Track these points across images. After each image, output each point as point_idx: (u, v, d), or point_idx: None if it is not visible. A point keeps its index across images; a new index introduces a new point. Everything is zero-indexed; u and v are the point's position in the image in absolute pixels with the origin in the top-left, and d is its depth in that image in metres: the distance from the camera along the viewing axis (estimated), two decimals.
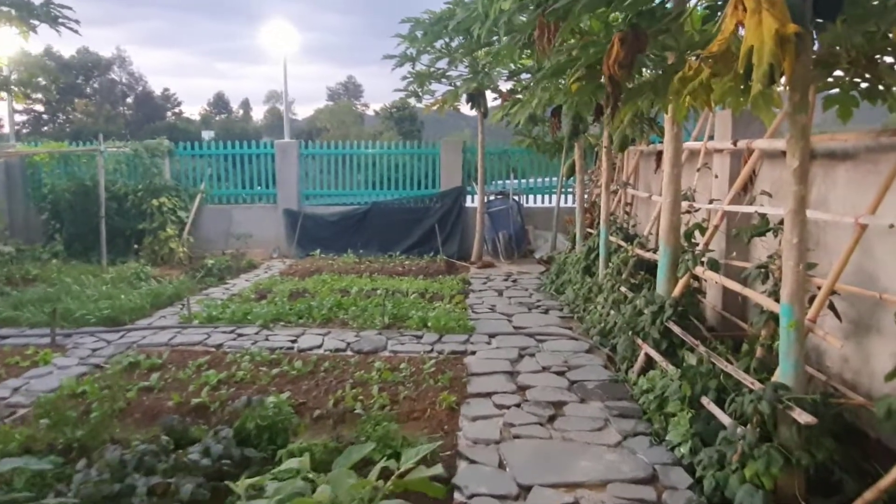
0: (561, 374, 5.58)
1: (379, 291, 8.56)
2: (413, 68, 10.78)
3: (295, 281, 9.75)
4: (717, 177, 6.16)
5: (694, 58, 3.13)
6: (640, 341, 5.38)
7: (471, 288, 9.36)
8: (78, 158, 12.65)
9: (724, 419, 3.76)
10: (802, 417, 3.14)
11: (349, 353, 6.24)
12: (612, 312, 6.57)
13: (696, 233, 5.54)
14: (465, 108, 11.75)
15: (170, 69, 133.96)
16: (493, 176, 13.10)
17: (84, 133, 32.14)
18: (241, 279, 10.38)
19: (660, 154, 8.47)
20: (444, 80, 11.07)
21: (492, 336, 6.76)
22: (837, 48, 3.53)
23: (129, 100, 60.04)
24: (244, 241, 12.38)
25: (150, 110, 57.03)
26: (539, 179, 13.12)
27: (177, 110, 62.31)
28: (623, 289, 6.62)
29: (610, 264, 7.37)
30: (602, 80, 4.04)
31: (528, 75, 10.59)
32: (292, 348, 6.35)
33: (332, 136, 33.70)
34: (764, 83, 2.37)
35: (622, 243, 7.56)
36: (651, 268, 7.04)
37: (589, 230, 9.68)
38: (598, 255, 8.30)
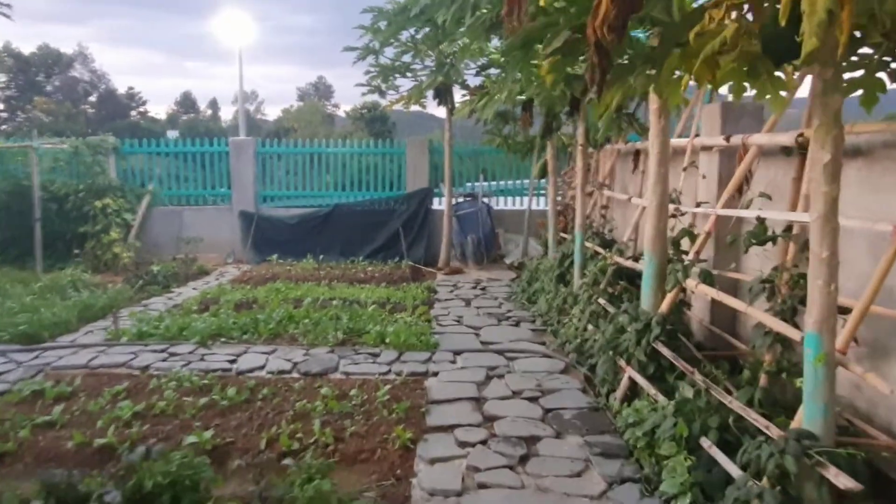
0: (534, 399, 4.87)
1: (335, 302, 7.78)
2: (376, 61, 10.04)
3: (246, 289, 8.92)
4: (704, 177, 5.51)
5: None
6: (622, 363, 4.70)
7: (436, 297, 8.62)
8: (13, 156, 11.62)
9: (732, 469, 3.08)
10: (841, 481, 2.46)
11: (295, 375, 5.46)
12: (589, 327, 5.90)
13: (685, 240, 4.89)
14: (433, 107, 11.04)
15: (138, 68, 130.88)
16: (462, 177, 12.40)
17: (43, 131, 30.63)
18: (188, 287, 9.51)
19: (637, 153, 7.85)
20: (409, 74, 10.35)
21: (457, 353, 6.04)
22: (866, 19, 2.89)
23: (93, 98, 58.13)
24: (195, 246, 11.48)
25: (114, 109, 55.18)
26: (510, 182, 12.44)
27: (142, 109, 60.55)
28: (601, 301, 5.95)
29: (586, 273, 6.71)
30: (582, 56, 3.33)
31: (498, 70, 9.95)
32: (230, 370, 5.55)
33: (299, 137, 32.66)
34: (819, 36, 1.69)
35: (599, 250, 6.90)
36: (631, 277, 6.39)
37: (563, 235, 9.03)
38: (572, 261, 7.64)
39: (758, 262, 4.55)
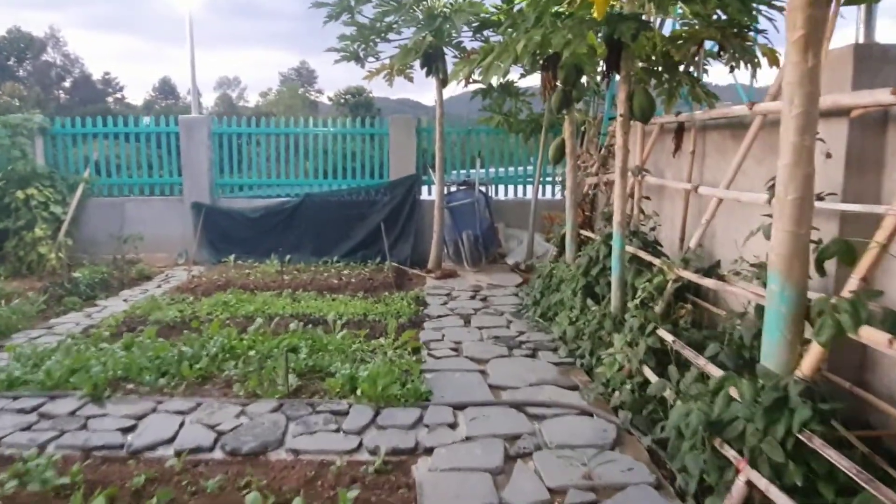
0: None
1: (293, 326, 5.86)
2: (352, 18, 8.08)
3: (186, 303, 7.00)
4: (829, 156, 3.65)
5: None
6: (733, 455, 2.87)
7: (426, 312, 6.74)
8: None
9: None
10: None
11: (216, 455, 3.57)
12: (647, 371, 4.06)
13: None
14: (421, 81, 9.12)
15: (118, 55, 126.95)
16: (456, 163, 10.50)
17: None
18: (119, 299, 7.57)
19: (681, 130, 6.03)
20: (392, 37, 8.41)
21: (458, 409, 4.18)
22: None
23: (67, 84, 55.38)
24: (138, 244, 9.50)
25: (88, 95, 52.53)
26: (511, 168, 10.54)
27: (118, 95, 57.95)
28: (664, 334, 4.11)
29: (630, 288, 4.85)
30: None
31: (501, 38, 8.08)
32: (119, 448, 3.65)
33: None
34: None
35: (650, 258, 5.07)
36: (695, 295, 4.58)
37: (582, 232, 7.16)
38: (602, 269, 5.80)
39: None
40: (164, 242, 9.82)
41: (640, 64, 5.15)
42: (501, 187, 10.43)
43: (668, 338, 4.02)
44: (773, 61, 4.80)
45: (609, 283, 5.79)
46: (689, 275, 4.25)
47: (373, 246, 9.50)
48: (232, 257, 9.26)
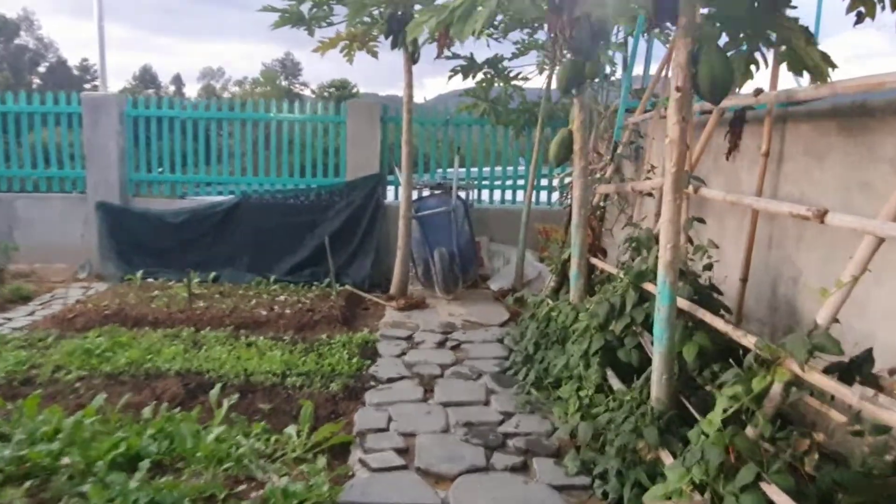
0: None
1: (165, 405, 3.76)
2: None
3: (40, 346, 4.92)
4: None
5: None
6: None
7: (373, 371, 4.68)
8: None
9: None
10: None
11: None
12: None
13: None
14: (387, 52, 7.07)
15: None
16: (430, 161, 8.44)
17: None
18: None
19: (739, 120, 4.07)
20: None
21: None
22: None
23: (42, 69, 52.70)
24: (24, 253, 7.38)
25: (63, 81, 49.80)
26: (498, 168, 8.51)
27: (96, 83, 55.24)
28: (776, 495, 2.11)
29: (717, 396, 2.83)
30: None
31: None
32: None
33: None
34: None
35: (715, 320, 3.05)
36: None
37: (592, 261, 5.13)
38: (629, 324, 3.81)
39: None
40: (63, 251, 7.69)
41: (704, 10, 3.12)
42: (486, 191, 8.38)
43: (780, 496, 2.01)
44: None
45: (639, 348, 3.80)
46: (823, 381, 2.23)
47: (324, 262, 7.38)
48: (138, 275, 7.12)
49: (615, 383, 3.68)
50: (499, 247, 7.80)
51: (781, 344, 2.41)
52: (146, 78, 60.35)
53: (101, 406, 3.62)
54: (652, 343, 3.81)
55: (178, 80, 67.34)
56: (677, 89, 3.02)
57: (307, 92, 51.17)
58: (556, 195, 7.68)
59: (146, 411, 3.59)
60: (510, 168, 8.35)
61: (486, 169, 8.42)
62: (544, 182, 8.16)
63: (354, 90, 42.52)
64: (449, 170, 8.04)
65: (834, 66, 2.95)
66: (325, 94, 40.61)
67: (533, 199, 7.43)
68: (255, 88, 42.28)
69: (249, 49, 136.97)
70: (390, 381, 4.48)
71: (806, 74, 3.02)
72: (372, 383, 4.44)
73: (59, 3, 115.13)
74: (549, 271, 6.26)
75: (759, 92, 3.47)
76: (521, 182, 8.16)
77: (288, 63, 55.53)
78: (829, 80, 2.93)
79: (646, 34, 6.13)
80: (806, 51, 2.89)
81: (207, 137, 8.08)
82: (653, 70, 6.13)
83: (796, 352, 2.26)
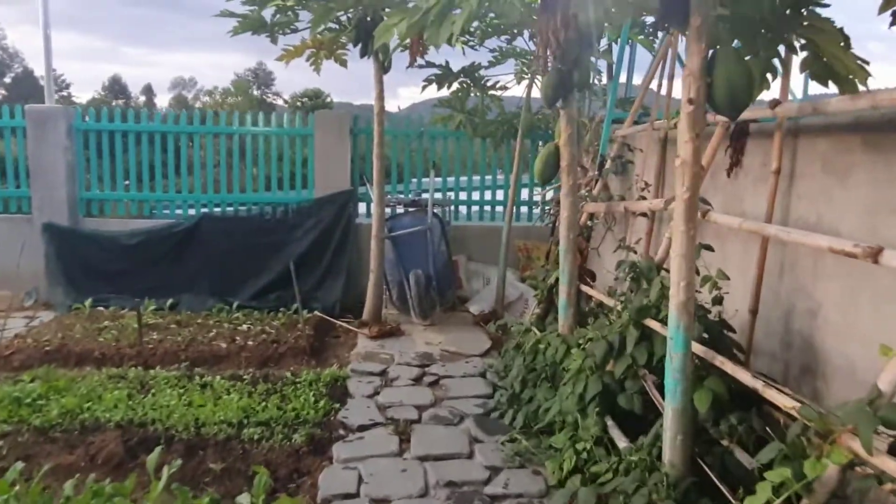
0: None
1: (113, 448, 3.19)
2: None
3: None
4: None
5: None
6: None
7: (344, 416, 4.14)
8: None
9: None
10: None
11: None
12: None
13: None
14: (358, 60, 6.57)
15: (71, 52, 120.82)
16: (405, 175, 7.94)
17: None
18: None
19: (741, 133, 3.68)
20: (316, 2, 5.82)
21: None
22: None
23: (7, 79, 51.14)
24: None
25: (30, 91, 48.24)
26: (476, 177, 8.04)
27: (64, 93, 53.76)
28: None
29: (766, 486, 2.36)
30: None
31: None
32: None
33: None
34: None
35: (738, 371, 2.59)
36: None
37: (583, 288, 4.66)
38: (630, 366, 3.35)
39: None
40: (6, 277, 7.01)
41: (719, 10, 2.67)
42: (462, 207, 7.90)
43: None
44: None
45: (642, 392, 3.35)
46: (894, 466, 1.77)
47: (292, 285, 6.84)
48: (87, 303, 6.49)
49: (617, 436, 3.21)
50: (478, 266, 7.32)
51: (834, 414, 1.95)
52: (115, 88, 58.92)
53: (17, 479, 3.03)
54: (656, 386, 3.36)
55: (148, 91, 65.89)
56: (690, 102, 2.57)
57: (280, 102, 50.29)
58: (538, 210, 7.22)
59: (67, 487, 3.01)
60: (489, 178, 7.88)
61: (464, 178, 7.93)
62: (525, 195, 7.70)
63: (328, 100, 41.85)
64: (424, 179, 7.54)
65: (869, 74, 2.52)
66: (298, 104, 39.84)
67: (513, 214, 6.97)
68: (225, 99, 41.18)
69: (222, 59, 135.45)
70: (361, 428, 3.95)
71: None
72: (341, 432, 3.92)
73: (25, 13, 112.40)
74: (532, 295, 5.79)
75: (776, 104, 3.03)
76: (500, 197, 7.69)
77: (261, 73, 54.60)
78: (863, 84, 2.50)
79: (630, 41, 5.73)
80: (839, 57, 2.45)
81: (164, 152, 7.47)
82: (636, 79, 5.74)
83: (860, 429, 1.80)
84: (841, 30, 2.41)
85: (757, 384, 2.42)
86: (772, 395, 2.32)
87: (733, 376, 2.68)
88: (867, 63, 2.43)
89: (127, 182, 7.43)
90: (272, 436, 3.78)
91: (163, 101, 68.50)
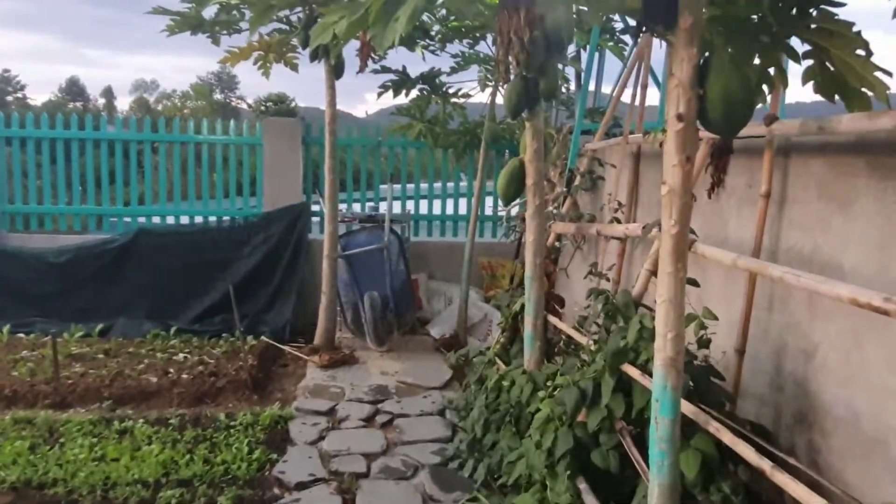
0: None
1: None
2: None
3: None
4: None
5: None
6: None
7: (280, 471, 3.57)
8: None
9: None
10: None
11: None
12: None
13: None
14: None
15: (28, 52, 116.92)
16: (361, 188, 7.40)
17: None
18: None
19: (724, 150, 3.23)
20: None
21: None
22: None
23: None
24: None
25: None
26: (437, 186, 7.55)
27: (18, 95, 51.81)
28: None
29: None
30: None
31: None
32: None
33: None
34: None
35: (753, 460, 2.13)
36: None
37: (551, 319, 4.19)
38: (606, 417, 2.89)
39: None
40: None
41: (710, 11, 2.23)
42: (422, 223, 7.40)
43: None
44: None
45: (618, 447, 2.89)
46: None
47: (240, 307, 6.23)
48: (6, 329, 5.81)
49: (591, 502, 2.74)
50: (439, 285, 6.83)
51: None
52: (73, 90, 57.00)
53: None
54: (635, 440, 2.91)
55: (108, 93, 63.87)
56: (679, 118, 2.11)
57: (244, 106, 49.09)
58: (501, 228, 6.76)
59: None
60: (451, 185, 7.40)
61: (424, 185, 7.42)
62: (489, 209, 7.24)
63: (293, 105, 40.85)
64: (382, 186, 7.01)
65: (888, 88, 2.11)
66: (262, 108, 38.80)
67: (476, 229, 6.50)
68: (185, 102, 39.90)
69: (186, 62, 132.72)
70: (300, 486, 3.41)
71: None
72: (276, 491, 3.37)
73: None
74: (497, 315, 5.33)
75: (772, 119, 2.61)
76: (462, 211, 7.21)
77: (224, 76, 53.29)
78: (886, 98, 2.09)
79: (598, 47, 5.33)
80: (854, 67, 2.03)
81: (98, 163, 6.81)
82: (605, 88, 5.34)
83: None
84: (859, 34, 1.98)
85: (764, 465, 1.97)
86: (783, 480, 1.86)
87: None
88: (889, 74, 2.01)
89: (81, 188, 6.74)
90: (193, 499, 3.22)
91: (123, 103, 66.60)
